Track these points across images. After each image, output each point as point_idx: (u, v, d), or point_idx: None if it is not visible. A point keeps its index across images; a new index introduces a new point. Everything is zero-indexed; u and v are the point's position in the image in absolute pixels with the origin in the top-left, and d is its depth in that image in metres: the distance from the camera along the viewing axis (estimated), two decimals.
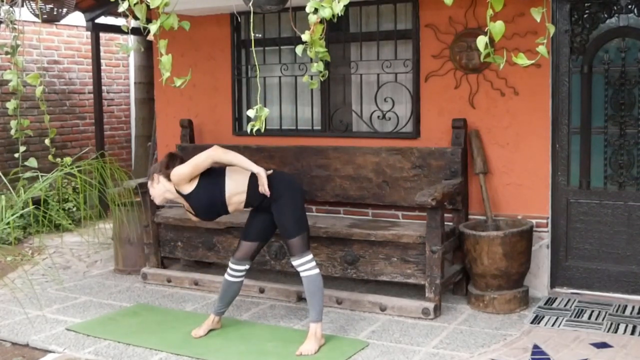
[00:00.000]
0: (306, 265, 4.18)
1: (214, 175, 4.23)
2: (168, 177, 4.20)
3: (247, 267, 4.39)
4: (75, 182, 4.39)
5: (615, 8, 4.83)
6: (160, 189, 4.25)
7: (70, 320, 4.78)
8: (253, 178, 4.18)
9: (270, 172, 4.21)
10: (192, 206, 4.26)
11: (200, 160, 4.14)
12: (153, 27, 2.95)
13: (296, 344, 4.17)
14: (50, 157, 4.23)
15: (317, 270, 4.20)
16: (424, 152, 5.18)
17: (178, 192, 4.21)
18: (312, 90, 5.77)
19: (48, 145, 4.14)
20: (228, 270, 4.40)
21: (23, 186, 4.11)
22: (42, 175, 4.07)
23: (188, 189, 4.18)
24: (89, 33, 7.64)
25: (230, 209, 4.27)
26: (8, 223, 3.83)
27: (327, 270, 5.04)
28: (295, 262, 4.21)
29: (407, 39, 5.45)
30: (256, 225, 4.36)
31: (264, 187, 4.09)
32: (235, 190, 4.21)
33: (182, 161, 4.23)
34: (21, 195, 4.01)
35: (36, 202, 4.43)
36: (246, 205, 4.31)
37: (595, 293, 4.98)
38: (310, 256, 4.21)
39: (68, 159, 4.17)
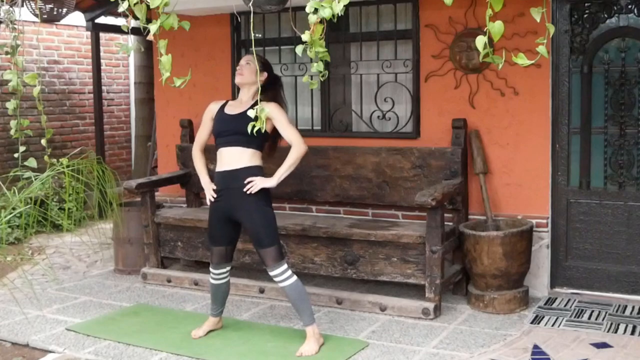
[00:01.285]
0: (283, 276, 4.14)
1: (265, 144, 4.21)
2: (269, 87, 4.26)
3: (227, 268, 4.38)
4: (76, 183, 4.39)
5: (615, 8, 4.83)
6: (254, 78, 4.14)
7: (70, 320, 4.78)
8: (255, 171, 4.13)
9: (269, 187, 4.16)
10: (236, 110, 4.19)
11: (294, 132, 4.18)
12: (153, 27, 2.95)
13: (296, 344, 4.17)
14: (45, 157, 4.23)
15: (294, 278, 4.16)
16: (424, 152, 5.18)
17: (255, 100, 3.99)
18: (312, 90, 5.77)
19: (44, 145, 4.13)
20: (210, 274, 4.41)
21: (22, 186, 4.11)
22: (35, 177, 4.07)
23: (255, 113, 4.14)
24: (89, 33, 7.64)
25: (218, 148, 4.20)
26: (6, 222, 3.83)
27: (327, 270, 5.04)
28: (271, 273, 4.17)
29: (407, 39, 5.44)
30: (218, 231, 4.31)
31: (254, 183, 4.06)
32: (241, 157, 4.13)
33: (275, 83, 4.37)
34: (16, 195, 4.01)
35: (37, 202, 4.43)
36: (216, 172, 4.23)
37: (595, 293, 4.98)
38: (285, 265, 4.16)
39: (65, 160, 4.17)
